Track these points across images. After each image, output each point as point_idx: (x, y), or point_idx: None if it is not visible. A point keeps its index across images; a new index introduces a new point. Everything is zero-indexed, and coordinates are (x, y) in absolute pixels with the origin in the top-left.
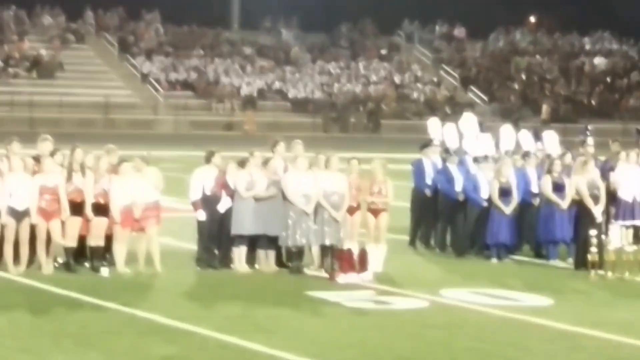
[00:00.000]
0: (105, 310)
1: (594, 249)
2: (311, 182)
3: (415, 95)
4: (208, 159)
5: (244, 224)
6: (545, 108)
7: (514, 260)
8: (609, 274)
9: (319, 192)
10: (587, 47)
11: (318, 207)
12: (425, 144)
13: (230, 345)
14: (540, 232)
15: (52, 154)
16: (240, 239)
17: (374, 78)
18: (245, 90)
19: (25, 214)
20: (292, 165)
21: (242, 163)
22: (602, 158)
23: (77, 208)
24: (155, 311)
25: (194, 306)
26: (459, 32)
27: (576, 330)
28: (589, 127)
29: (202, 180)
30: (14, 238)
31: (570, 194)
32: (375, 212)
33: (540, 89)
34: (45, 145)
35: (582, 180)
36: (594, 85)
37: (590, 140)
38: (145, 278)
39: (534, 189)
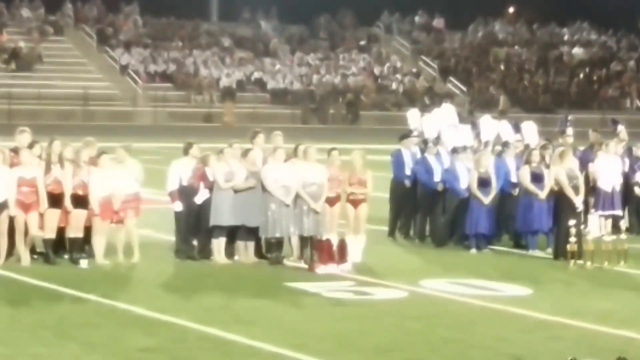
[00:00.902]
0: (85, 302)
1: (573, 239)
2: (290, 173)
3: (394, 86)
4: (186, 151)
5: (223, 215)
6: (502, 99)
7: (493, 250)
8: (588, 263)
9: (298, 183)
10: (566, 37)
11: (297, 198)
12: (405, 134)
13: (209, 337)
14: (519, 222)
15: (31, 146)
16: (220, 230)
17: (353, 69)
18: (224, 82)
19: (3, 206)
20: (271, 157)
21: (219, 154)
22: (581, 148)
23: (56, 200)
24: (134, 303)
25: (173, 297)
26: (438, 22)
27: (555, 320)
28: (569, 117)
29: (180, 172)
30: None
31: (549, 184)
32: (354, 203)
33: (519, 79)
34: (23, 137)
35: (562, 171)
36: (572, 75)
37: (569, 131)
38: (125, 270)
39: (513, 179)
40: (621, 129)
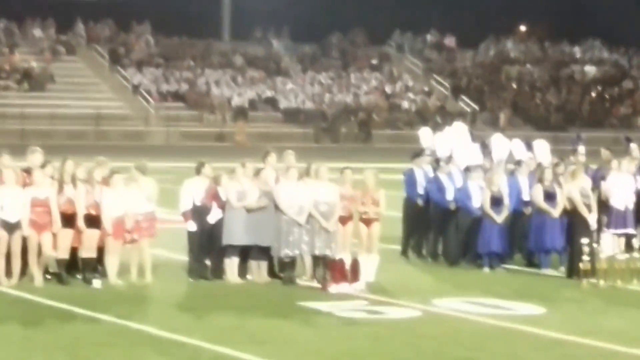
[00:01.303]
0: (98, 322)
1: (586, 258)
2: (303, 192)
3: (406, 105)
4: (198, 170)
5: (235, 235)
6: (502, 116)
7: (506, 269)
8: (601, 282)
9: (310, 203)
10: (578, 55)
11: (309, 217)
12: (417, 153)
13: (223, 356)
14: (532, 241)
15: (43, 166)
16: (232, 249)
17: (364, 88)
18: (236, 101)
19: (17, 226)
20: (283, 176)
21: (231, 173)
22: (593, 166)
23: (68, 220)
24: (147, 322)
25: (186, 317)
26: (450, 41)
27: (569, 339)
28: (581, 135)
29: (192, 191)
30: (5, 250)
31: (561, 202)
32: (367, 222)
33: (531, 97)
34: (35, 157)
35: (574, 189)
36: (584, 93)
37: (581, 149)
38: (138, 289)
39: (526, 197)
40: (634, 147)
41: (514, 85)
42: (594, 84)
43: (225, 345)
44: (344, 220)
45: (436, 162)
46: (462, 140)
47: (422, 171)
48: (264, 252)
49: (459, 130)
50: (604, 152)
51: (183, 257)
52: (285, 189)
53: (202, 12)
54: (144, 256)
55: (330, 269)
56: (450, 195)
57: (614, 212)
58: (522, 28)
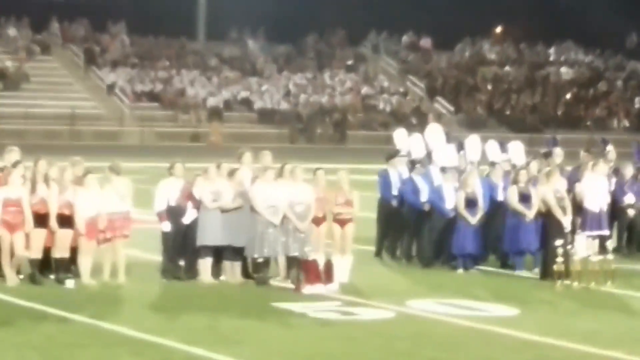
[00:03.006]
0: (71, 323)
1: (559, 259)
2: (278, 193)
3: (381, 105)
4: (170, 171)
5: (209, 235)
6: (431, 115)
7: (480, 270)
8: (575, 284)
9: (285, 203)
10: (553, 57)
11: (284, 218)
12: (392, 154)
13: (196, 357)
14: (506, 243)
15: (14, 165)
16: (206, 250)
17: (340, 89)
18: (211, 102)
19: None
20: (260, 176)
21: (205, 173)
22: (568, 168)
23: (41, 220)
24: (121, 323)
25: (159, 318)
26: (425, 42)
27: (542, 341)
28: (557, 137)
29: (167, 191)
30: None
31: (536, 204)
32: (341, 223)
33: (507, 99)
34: (12, 156)
35: (549, 191)
36: (560, 95)
37: (557, 151)
38: (111, 290)
39: (500, 198)
40: (610, 149)
41: (490, 87)
42: (570, 86)
43: (199, 346)
44: (317, 221)
45: (411, 164)
46: (437, 141)
47: (396, 172)
48: (237, 253)
49: (434, 131)
50: (583, 154)
51: (156, 257)
52: (260, 190)
53: (178, 12)
54: (118, 256)
55: (304, 269)
56: (424, 197)
57: (588, 214)
58: (498, 29)
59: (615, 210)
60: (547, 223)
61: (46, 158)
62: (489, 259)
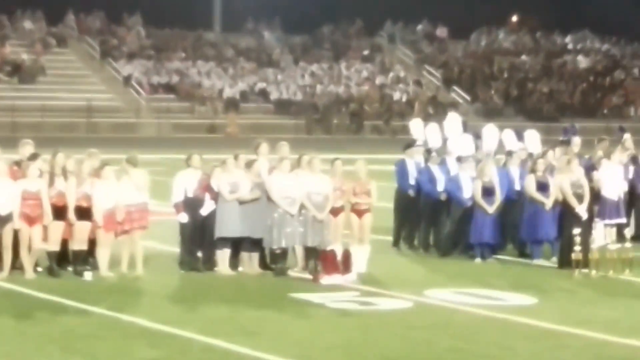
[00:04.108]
0: (89, 314)
1: (577, 248)
2: (295, 183)
3: (397, 95)
4: (187, 162)
5: (227, 227)
6: (417, 105)
7: (498, 259)
8: (593, 272)
9: (302, 194)
10: (569, 46)
11: (302, 209)
12: (409, 144)
13: (214, 348)
14: (524, 232)
15: (33, 158)
16: (224, 241)
17: (356, 79)
18: (227, 93)
19: (7, 219)
20: (277, 167)
21: (222, 164)
22: (587, 156)
23: (59, 212)
24: (138, 314)
25: (177, 309)
26: (441, 32)
27: (561, 329)
28: (575, 125)
29: (185, 183)
30: None
31: (554, 192)
32: (359, 213)
33: (523, 88)
34: (26, 149)
35: (566, 180)
36: (576, 84)
37: (576, 140)
38: (129, 281)
39: (517, 187)
40: (627, 137)
41: (506, 76)
42: (586, 74)
43: (217, 337)
44: (335, 211)
45: (427, 153)
46: (455, 130)
47: (413, 162)
48: (255, 244)
49: (452, 120)
50: (600, 143)
51: (174, 248)
52: (277, 181)
53: (193, 3)
54: (136, 248)
55: (322, 260)
56: (441, 186)
57: (606, 202)
58: (514, 18)
59: (633, 198)
60: (565, 212)
61: (63, 151)
62: (506, 248)
